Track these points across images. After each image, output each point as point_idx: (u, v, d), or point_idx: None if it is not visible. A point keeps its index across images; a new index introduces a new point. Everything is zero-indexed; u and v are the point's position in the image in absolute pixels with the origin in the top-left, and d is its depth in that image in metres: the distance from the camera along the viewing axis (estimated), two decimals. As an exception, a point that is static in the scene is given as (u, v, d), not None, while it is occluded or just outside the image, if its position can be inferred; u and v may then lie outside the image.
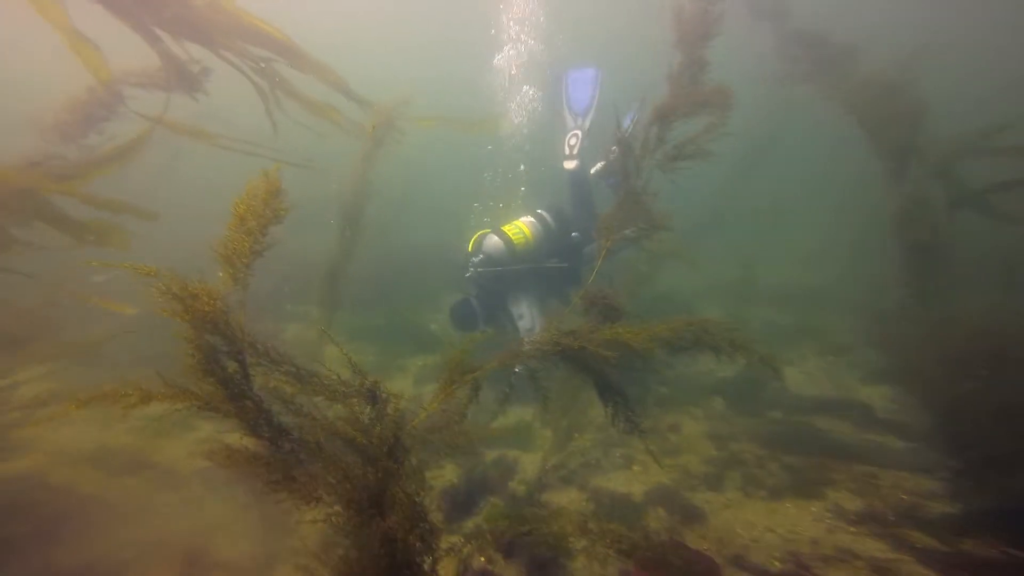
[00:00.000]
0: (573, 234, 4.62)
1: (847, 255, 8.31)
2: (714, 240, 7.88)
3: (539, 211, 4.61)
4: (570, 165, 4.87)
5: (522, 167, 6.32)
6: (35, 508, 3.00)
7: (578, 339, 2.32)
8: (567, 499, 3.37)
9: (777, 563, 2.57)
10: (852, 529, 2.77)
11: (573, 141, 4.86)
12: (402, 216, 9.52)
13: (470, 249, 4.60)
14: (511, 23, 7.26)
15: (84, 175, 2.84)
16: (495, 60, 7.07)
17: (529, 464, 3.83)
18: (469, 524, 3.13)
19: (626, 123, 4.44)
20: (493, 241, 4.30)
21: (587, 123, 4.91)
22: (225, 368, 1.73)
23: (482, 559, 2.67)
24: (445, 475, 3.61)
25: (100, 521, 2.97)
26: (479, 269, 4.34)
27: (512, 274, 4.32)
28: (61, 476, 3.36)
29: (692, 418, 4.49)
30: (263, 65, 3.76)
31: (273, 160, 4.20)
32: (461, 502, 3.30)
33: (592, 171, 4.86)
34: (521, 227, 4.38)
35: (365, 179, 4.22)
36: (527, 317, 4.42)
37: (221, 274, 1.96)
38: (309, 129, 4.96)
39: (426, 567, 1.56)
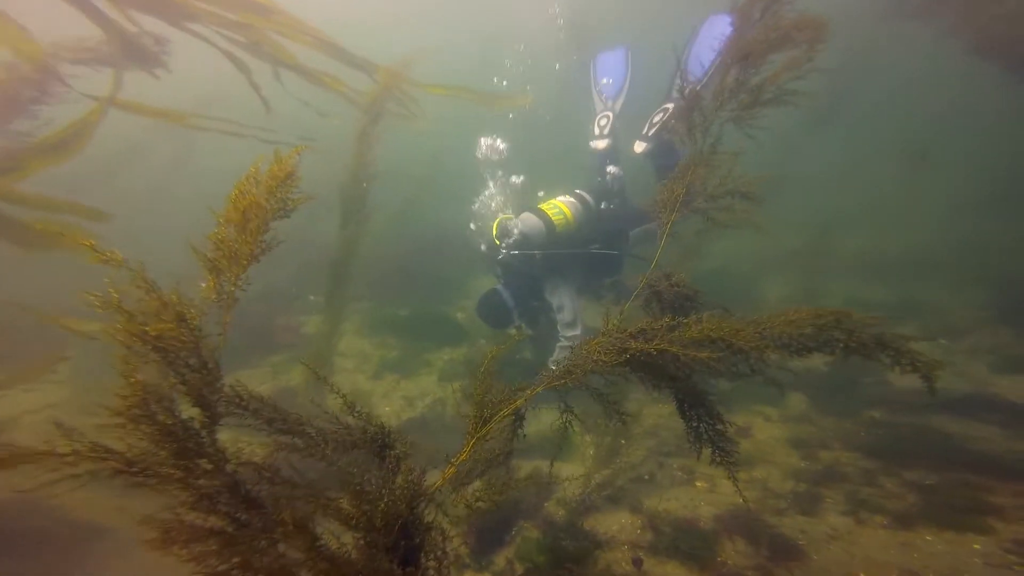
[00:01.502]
0: (604, 204, 4.11)
1: (956, 217, 7.12)
2: (778, 202, 6.93)
3: (578, 191, 4.09)
4: (600, 145, 4.33)
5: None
6: (24, 538, 2.69)
7: (653, 340, 1.72)
8: (617, 525, 2.81)
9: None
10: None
11: (604, 122, 4.32)
12: (426, 196, 9.01)
13: (495, 232, 4.06)
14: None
15: (19, 167, 2.35)
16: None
17: (569, 479, 3.28)
18: (500, 560, 2.62)
19: (700, 68, 3.75)
20: (531, 221, 3.76)
21: (618, 105, 4.37)
22: (177, 414, 1.24)
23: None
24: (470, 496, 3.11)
25: (88, 554, 2.63)
26: (514, 252, 3.78)
27: (551, 259, 3.73)
28: (60, 499, 3.04)
29: (765, 420, 3.82)
30: (238, 35, 3.20)
31: (278, 143, 3.72)
32: (490, 530, 2.80)
33: (638, 151, 4.22)
34: (561, 207, 3.86)
35: (366, 157, 3.64)
36: (568, 309, 3.88)
37: (204, 284, 1.48)
38: (310, 106, 4.45)
39: None
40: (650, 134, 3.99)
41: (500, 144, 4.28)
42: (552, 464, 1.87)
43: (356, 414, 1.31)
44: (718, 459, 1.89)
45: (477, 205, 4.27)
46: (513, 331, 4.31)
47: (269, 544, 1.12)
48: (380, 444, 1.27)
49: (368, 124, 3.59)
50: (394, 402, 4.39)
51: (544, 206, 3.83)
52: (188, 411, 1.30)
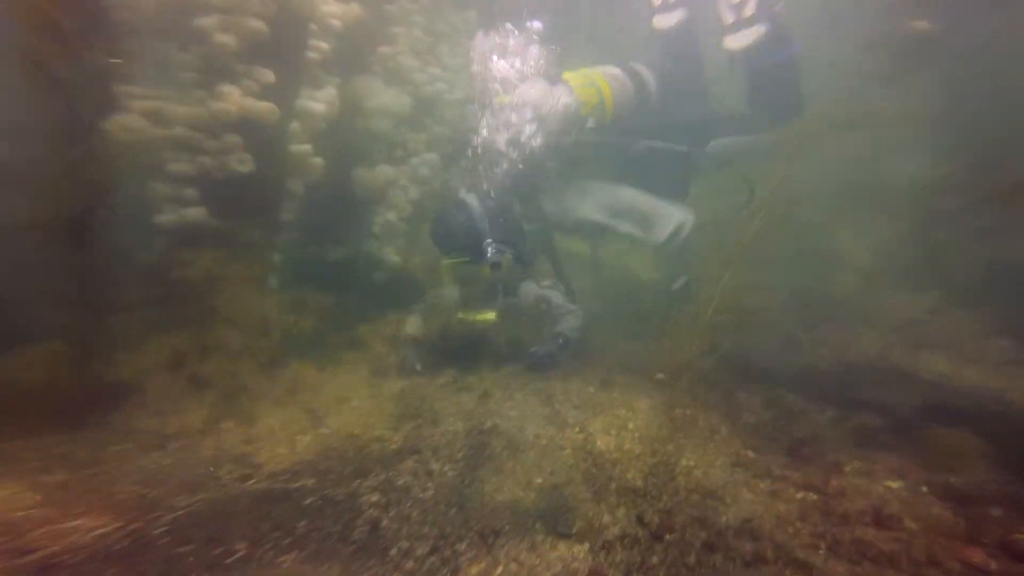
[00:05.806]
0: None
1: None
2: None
3: (632, 64, 2.55)
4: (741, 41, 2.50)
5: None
6: None
7: None
8: None
9: None
10: None
11: None
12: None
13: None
14: None
15: None
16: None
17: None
18: None
19: None
20: (541, 89, 2.27)
21: None
22: None
23: None
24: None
25: None
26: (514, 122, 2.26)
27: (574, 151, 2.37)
28: None
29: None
30: None
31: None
32: None
33: (735, 46, 2.52)
34: (598, 80, 2.33)
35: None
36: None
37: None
38: None
39: None
40: (745, 16, 2.38)
41: None
42: None
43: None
44: None
45: None
46: (455, 260, 2.61)
47: None
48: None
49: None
50: (296, 419, 2.77)
51: (570, 75, 2.33)
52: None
